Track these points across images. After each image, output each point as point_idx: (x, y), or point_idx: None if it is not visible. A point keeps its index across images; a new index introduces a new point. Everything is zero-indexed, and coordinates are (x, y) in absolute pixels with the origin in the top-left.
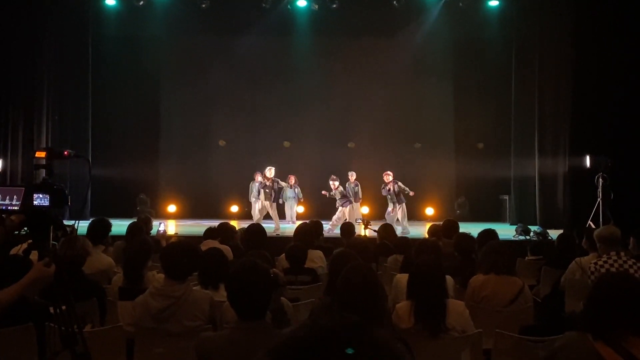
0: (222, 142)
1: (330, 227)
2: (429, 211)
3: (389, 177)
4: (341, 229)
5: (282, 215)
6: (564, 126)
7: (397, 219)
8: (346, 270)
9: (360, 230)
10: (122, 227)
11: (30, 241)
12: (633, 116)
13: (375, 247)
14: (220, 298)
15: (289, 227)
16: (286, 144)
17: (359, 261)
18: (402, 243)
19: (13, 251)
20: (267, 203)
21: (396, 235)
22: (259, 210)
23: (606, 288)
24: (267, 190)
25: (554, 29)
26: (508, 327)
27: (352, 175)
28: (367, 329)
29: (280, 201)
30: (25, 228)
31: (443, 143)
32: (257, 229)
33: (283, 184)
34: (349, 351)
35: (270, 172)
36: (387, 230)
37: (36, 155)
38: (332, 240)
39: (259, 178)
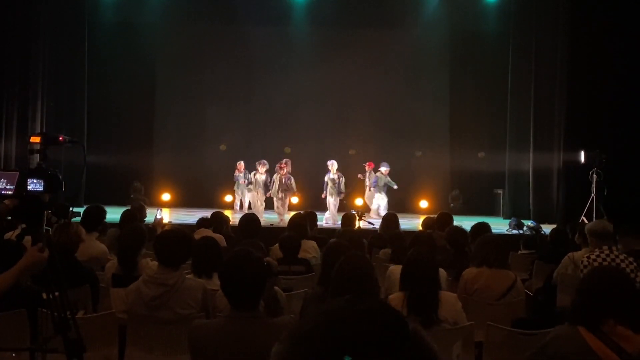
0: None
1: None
2: (423, 204)
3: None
4: (342, 219)
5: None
6: (559, 121)
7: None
8: (342, 260)
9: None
10: (116, 215)
11: (23, 226)
12: (628, 112)
13: (370, 238)
14: (213, 287)
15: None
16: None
17: (354, 252)
18: (397, 236)
19: (6, 236)
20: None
21: (398, 227)
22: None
23: (594, 280)
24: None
25: (551, 24)
26: (500, 320)
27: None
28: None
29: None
30: (10, 216)
31: (438, 136)
32: (251, 219)
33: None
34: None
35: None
36: (391, 220)
37: (31, 140)
38: (326, 231)
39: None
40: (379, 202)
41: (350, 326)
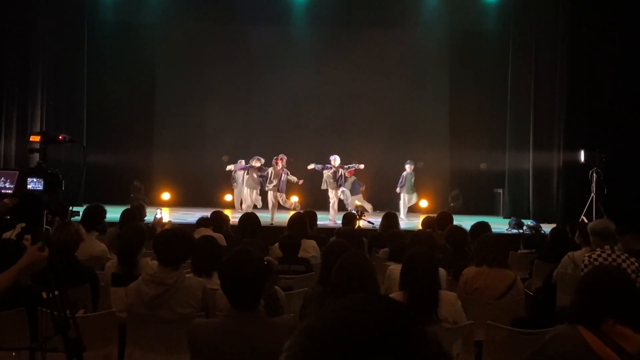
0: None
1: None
2: (423, 203)
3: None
4: (343, 218)
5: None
6: (559, 121)
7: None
8: (342, 259)
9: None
10: (116, 214)
11: (22, 225)
12: (628, 112)
13: (370, 237)
14: (213, 286)
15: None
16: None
17: (354, 251)
18: (396, 235)
19: (5, 236)
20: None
21: (398, 226)
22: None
23: (594, 279)
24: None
25: (551, 24)
26: (500, 320)
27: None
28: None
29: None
30: (9, 215)
31: (438, 136)
32: (251, 218)
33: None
34: None
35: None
36: (390, 219)
37: (31, 139)
38: (326, 230)
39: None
40: (409, 202)
41: (366, 322)
